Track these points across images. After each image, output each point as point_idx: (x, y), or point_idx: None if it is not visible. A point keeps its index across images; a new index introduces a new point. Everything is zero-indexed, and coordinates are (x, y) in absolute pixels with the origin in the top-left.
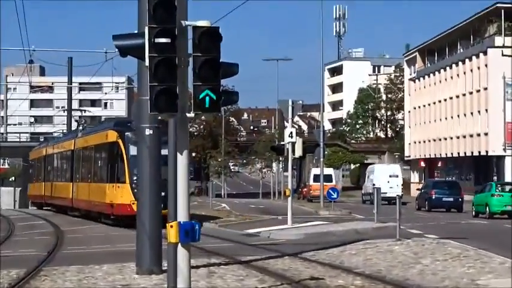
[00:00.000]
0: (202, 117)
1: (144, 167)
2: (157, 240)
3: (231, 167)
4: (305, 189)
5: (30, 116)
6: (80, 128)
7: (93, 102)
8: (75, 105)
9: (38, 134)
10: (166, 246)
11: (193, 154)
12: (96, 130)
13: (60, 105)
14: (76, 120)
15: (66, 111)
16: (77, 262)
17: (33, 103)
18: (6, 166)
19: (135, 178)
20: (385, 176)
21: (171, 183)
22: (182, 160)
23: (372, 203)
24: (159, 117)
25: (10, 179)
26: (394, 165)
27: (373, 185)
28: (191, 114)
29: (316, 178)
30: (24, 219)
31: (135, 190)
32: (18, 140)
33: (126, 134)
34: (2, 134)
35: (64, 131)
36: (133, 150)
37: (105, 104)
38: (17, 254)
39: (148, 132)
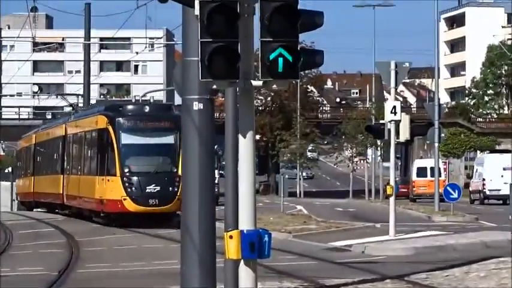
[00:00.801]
0: (274, 85)
1: (190, 155)
2: (210, 256)
3: (309, 155)
4: (407, 186)
5: (33, 84)
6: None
7: (119, 65)
8: (94, 69)
9: (44, 109)
10: (222, 263)
11: (257, 137)
12: (87, 114)
13: (74, 68)
14: (71, 105)
15: (84, 79)
16: (98, 286)
17: (37, 66)
18: (1, 152)
19: (127, 170)
20: (497, 169)
21: (229, 178)
22: (246, 146)
23: (482, 203)
24: (213, 86)
25: (6, 170)
26: (508, 155)
27: (483, 180)
28: (258, 83)
29: (421, 172)
30: (25, 225)
31: (127, 184)
32: (16, 117)
33: (117, 119)
34: None
35: (80, 104)
36: (125, 138)
37: (136, 67)
38: (17, 273)
39: (196, 106)
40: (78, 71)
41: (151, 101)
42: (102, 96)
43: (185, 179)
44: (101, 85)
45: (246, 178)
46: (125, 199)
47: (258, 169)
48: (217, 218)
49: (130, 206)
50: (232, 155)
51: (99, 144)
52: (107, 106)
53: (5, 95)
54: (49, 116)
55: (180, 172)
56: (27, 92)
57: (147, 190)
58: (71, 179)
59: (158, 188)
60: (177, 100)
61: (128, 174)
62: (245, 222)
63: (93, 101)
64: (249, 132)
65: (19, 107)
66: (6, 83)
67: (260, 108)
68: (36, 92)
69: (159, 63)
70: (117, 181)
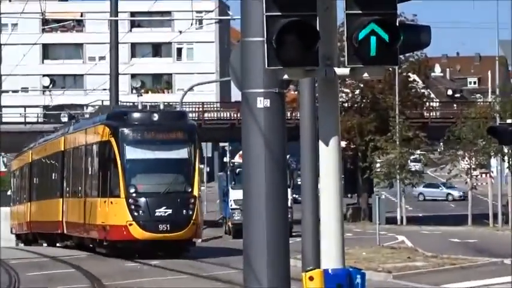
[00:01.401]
0: (364, 74)
1: (253, 169)
2: None
3: (412, 166)
4: None
5: (43, 75)
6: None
7: (157, 49)
8: (124, 55)
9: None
10: None
11: (343, 144)
12: (88, 124)
13: (97, 54)
14: (70, 113)
15: (110, 68)
16: None
17: (47, 51)
18: (1, 168)
19: (133, 191)
20: None
21: (306, 200)
22: (329, 156)
23: None
24: (284, 77)
25: (9, 192)
26: None
27: None
28: (343, 71)
29: None
30: (36, 265)
31: (133, 206)
32: (22, 120)
33: (121, 130)
34: None
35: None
36: (131, 152)
37: (179, 51)
38: None
39: (261, 103)
40: (102, 58)
41: (161, 107)
42: (134, 92)
43: (247, 202)
44: (133, 76)
45: (329, 200)
46: (130, 224)
47: (344, 187)
48: (291, 253)
49: (137, 232)
50: (310, 169)
51: (101, 159)
52: (110, 114)
53: (6, 91)
54: (65, 119)
55: (195, 192)
56: (35, 87)
57: (157, 214)
58: (71, 203)
59: (169, 211)
60: (235, 95)
61: (134, 195)
62: (329, 259)
63: (124, 98)
64: (333, 137)
65: (25, 106)
66: (7, 75)
67: (346, 105)
68: (47, 87)
69: (209, 46)
70: (121, 203)
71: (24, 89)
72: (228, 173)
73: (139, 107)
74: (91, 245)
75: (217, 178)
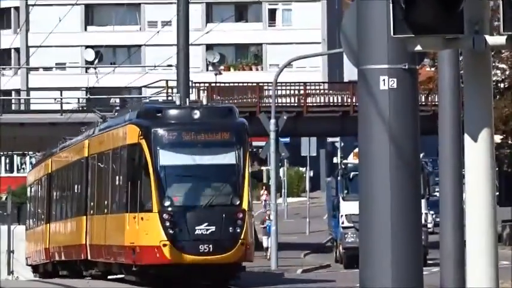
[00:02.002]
0: None
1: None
2: None
3: None
4: None
5: (86, 47)
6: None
7: (241, 11)
8: (196, 19)
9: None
10: None
11: (498, 139)
12: (116, 124)
13: (159, 18)
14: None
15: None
16: None
17: (91, 15)
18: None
19: (168, 204)
20: None
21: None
22: (478, 154)
23: None
24: (416, 48)
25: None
26: None
27: None
28: (498, 40)
29: None
30: None
31: (168, 223)
32: (57, 108)
33: (153, 130)
34: (18, 94)
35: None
36: (165, 158)
37: (271, 13)
38: None
39: (385, 84)
40: (166, 23)
41: (204, 102)
42: (210, 68)
43: (365, 218)
44: (209, 47)
45: (478, 215)
46: (165, 245)
47: (499, 198)
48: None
49: (173, 255)
50: (451, 173)
51: (129, 166)
52: (141, 111)
53: (35, 68)
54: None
55: (245, 205)
56: (76, 63)
57: (197, 232)
58: (96, 221)
59: (212, 229)
60: (349, 73)
61: (169, 209)
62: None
63: (196, 77)
64: (484, 130)
65: (61, 89)
66: (36, 47)
67: (501, 85)
68: (92, 62)
69: (314, 6)
70: (154, 219)
71: (60, 65)
72: (339, 178)
73: (177, 102)
74: (118, 272)
75: (324, 186)
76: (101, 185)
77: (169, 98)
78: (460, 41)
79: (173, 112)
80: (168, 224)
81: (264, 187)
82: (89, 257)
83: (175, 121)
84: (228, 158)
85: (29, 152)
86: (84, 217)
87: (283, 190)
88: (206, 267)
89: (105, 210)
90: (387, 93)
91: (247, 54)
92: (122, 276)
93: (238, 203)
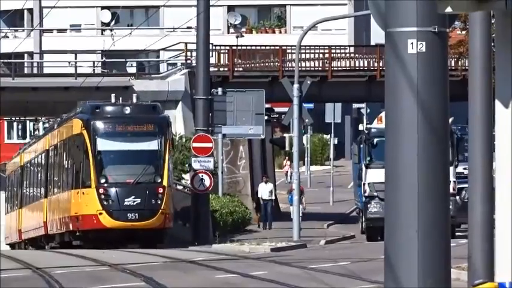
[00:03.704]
0: None
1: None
2: None
3: None
4: None
5: (101, 7)
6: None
7: None
8: None
9: (122, 55)
10: None
11: None
12: (67, 119)
13: None
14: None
15: None
16: None
17: None
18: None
19: (103, 181)
20: None
21: (476, 188)
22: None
23: None
24: (446, 10)
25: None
26: None
27: None
28: None
29: None
30: (89, 276)
31: (103, 196)
32: (71, 71)
33: (92, 122)
34: (31, 57)
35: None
36: (101, 144)
37: None
38: None
39: (414, 47)
40: None
41: (134, 100)
42: (232, 31)
43: (391, 187)
44: (230, 8)
45: (508, 188)
46: (100, 213)
47: None
48: (453, 261)
49: (107, 221)
50: (481, 141)
51: (74, 152)
52: (83, 108)
53: (49, 30)
54: (131, 69)
55: (165, 182)
56: (91, 24)
57: (126, 203)
58: (52, 200)
59: (138, 201)
60: (376, 36)
61: (105, 185)
62: (507, 270)
63: (217, 39)
64: None
65: (75, 52)
66: (50, 7)
67: None
68: (108, 24)
69: None
70: (92, 193)
71: (74, 27)
72: (362, 144)
73: (113, 100)
74: (68, 240)
75: (349, 154)
76: (56, 171)
77: (189, 61)
78: (492, 2)
79: (109, 108)
80: (103, 196)
81: (286, 158)
82: (48, 232)
83: (110, 115)
84: (152, 145)
85: (42, 117)
86: (45, 199)
87: (306, 158)
88: (134, 231)
89: (58, 190)
90: (416, 57)
91: (270, 16)
92: (52, 244)
93: (159, 180)
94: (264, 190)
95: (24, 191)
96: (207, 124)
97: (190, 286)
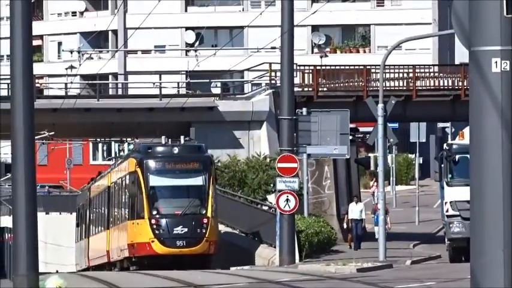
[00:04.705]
0: None
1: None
2: None
3: None
4: None
5: (186, 28)
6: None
7: None
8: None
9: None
10: None
11: None
12: (124, 158)
13: None
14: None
15: (282, 17)
16: None
17: None
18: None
19: (155, 212)
20: None
21: None
22: None
23: None
24: None
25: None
26: None
27: None
28: None
29: None
30: None
31: (155, 226)
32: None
33: (145, 161)
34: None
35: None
36: (153, 181)
37: None
38: None
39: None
40: (270, 3)
41: (182, 141)
42: (316, 50)
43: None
44: (314, 28)
45: None
46: (152, 241)
47: None
48: None
49: (159, 248)
50: None
51: (129, 187)
52: (137, 148)
53: (133, 51)
54: (216, 90)
55: (209, 213)
56: (175, 45)
57: (175, 232)
58: (113, 231)
59: (186, 230)
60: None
61: (156, 216)
62: None
63: (302, 59)
64: None
65: (160, 73)
66: (134, 29)
67: None
68: (192, 45)
69: None
70: (145, 223)
71: (159, 48)
72: (443, 161)
73: (163, 141)
74: (126, 266)
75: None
76: (116, 204)
77: (273, 81)
78: None
79: (159, 149)
80: (155, 226)
81: (374, 179)
82: (110, 259)
83: (161, 155)
84: (197, 181)
85: (127, 139)
86: (107, 230)
87: (391, 178)
88: (183, 257)
89: (118, 222)
90: (499, 76)
91: (354, 36)
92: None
93: (204, 212)
94: (355, 210)
95: (91, 222)
96: (291, 144)
97: None
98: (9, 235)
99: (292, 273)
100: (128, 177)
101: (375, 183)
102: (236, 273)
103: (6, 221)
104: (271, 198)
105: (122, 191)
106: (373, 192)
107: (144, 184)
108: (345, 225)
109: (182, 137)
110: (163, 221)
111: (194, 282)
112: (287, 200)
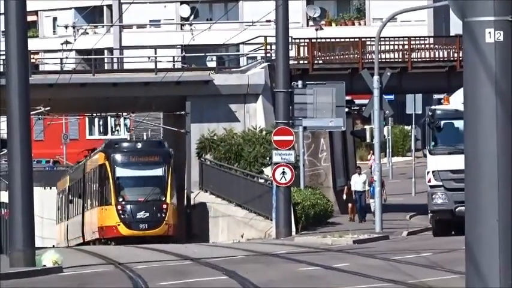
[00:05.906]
0: None
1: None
2: None
3: None
4: None
5: (181, 2)
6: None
7: None
8: None
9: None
10: None
11: None
12: (96, 152)
13: None
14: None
15: None
16: None
17: None
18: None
19: (121, 200)
20: None
21: None
22: None
23: None
24: None
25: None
26: None
27: None
28: None
29: None
30: (170, 270)
31: (121, 211)
32: (151, 67)
33: (112, 155)
34: (111, 53)
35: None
36: (119, 172)
37: None
38: None
39: (491, 36)
40: None
41: (144, 137)
42: (311, 24)
43: (470, 178)
44: (309, 1)
45: None
46: (118, 224)
47: None
48: None
49: (124, 230)
50: None
51: (99, 178)
52: (106, 144)
53: (129, 26)
54: (211, 64)
55: (168, 200)
56: (170, 19)
57: (138, 216)
58: (86, 215)
59: (147, 215)
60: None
61: (122, 203)
62: None
63: (297, 32)
64: None
65: (155, 47)
66: (129, 3)
67: None
68: (187, 18)
69: None
70: (112, 209)
71: (154, 22)
72: (426, 127)
73: (128, 138)
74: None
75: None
76: (88, 192)
77: (268, 54)
78: None
79: (125, 144)
80: (120, 212)
81: (371, 152)
82: (85, 240)
83: (126, 149)
84: (157, 172)
85: (123, 113)
86: (82, 214)
87: (387, 150)
88: (145, 238)
89: (90, 208)
90: (493, 47)
91: (349, 8)
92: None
93: (164, 198)
94: (358, 181)
95: (69, 207)
96: (287, 117)
97: (272, 279)
98: (5, 210)
99: (289, 246)
100: (98, 169)
101: (373, 156)
102: (232, 246)
103: (3, 196)
104: (268, 171)
105: (94, 180)
106: (371, 165)
107: (111, 175)
108: (344, 197)
109: (144, 134)
110: (128, 207)
111: (190, 256)
112: (283, 172)
